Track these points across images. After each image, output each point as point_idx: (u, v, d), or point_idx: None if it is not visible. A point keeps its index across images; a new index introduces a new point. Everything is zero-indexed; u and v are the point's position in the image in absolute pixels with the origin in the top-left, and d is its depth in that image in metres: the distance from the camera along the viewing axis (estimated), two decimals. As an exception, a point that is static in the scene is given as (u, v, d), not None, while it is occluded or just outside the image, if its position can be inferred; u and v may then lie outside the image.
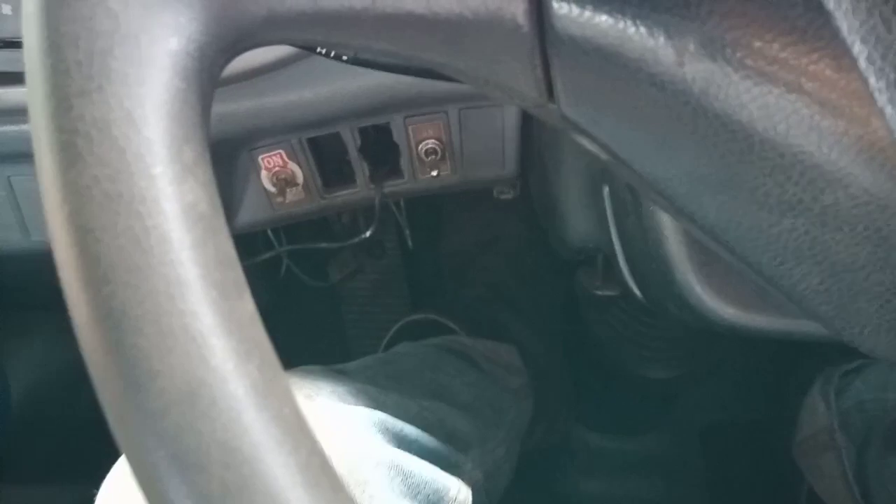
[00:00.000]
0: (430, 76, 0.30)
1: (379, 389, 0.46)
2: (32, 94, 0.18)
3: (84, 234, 0.16)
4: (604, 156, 0.24)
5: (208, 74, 0.19)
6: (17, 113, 0.51)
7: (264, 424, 0.16)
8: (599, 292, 0.57)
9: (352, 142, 0.56)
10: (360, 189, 0.59)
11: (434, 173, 0.56)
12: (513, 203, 0.81)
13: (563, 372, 0.83)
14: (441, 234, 0.87)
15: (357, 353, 0.99)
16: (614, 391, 0.85)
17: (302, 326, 0.93)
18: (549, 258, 0.81)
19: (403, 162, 0.57)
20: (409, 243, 0.72)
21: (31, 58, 0.18)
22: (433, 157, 0.56)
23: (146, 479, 0.16)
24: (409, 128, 0.55)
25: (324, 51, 0.29)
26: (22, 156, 0.56)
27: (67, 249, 0.17)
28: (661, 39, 0.19)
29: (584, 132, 0.23)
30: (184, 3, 0.18)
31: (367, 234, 0.61)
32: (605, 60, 0.20)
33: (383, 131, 0.56)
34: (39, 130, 0.17)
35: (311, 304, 0.91)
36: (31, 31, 0.18)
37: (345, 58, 0.30)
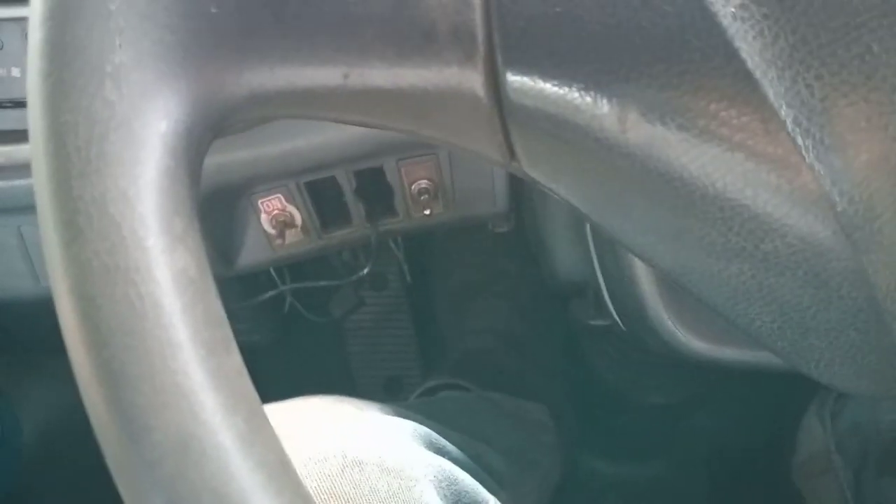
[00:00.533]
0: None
1: (421, 417, 0.47)
2: (37, 174, 0.20)
3: (86, 303, 0.18)
4: (568, 207, 0.26)
5: (196, 151, 0.21)
6: (27, 168, 0.53)
7: (250, 471, 0.18)
8: (593, 322, 0.59)
9: (347, 184, 0.58)
10: (357, 228, 0.61)
11: (427, 212, 0.58)
12: (508, 235, 0.83)
13: (569, 402, 0.84)
14: (439, 268, 0.89)
15: (362, 386, 1.00)
16: (619, 418, 0.86)
17: (307, 362, 0.94)
18: (546, 289, 0.83)
19: (397, 201, 0.59)
20: (408, 278, 0.74)
21: (36, 143, 0.20)
22: (426, 196, 0.58)
23: None
24: (402, 169, 0.57)
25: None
26: (32, 207, 0.58)
27: (71, 316, 0.19)
28: (605, 108, 0.21)
29: (545, 188, 0.24)
30: (172, 90, 0.20)
31: (366, 270, 0.63)
32: (557, 126, 0.22)
33: (377, 173, 0.58)
34: (44, 208, 0.19)
35: (316, 339, 0.92)
36: (35, 120, 0.20)
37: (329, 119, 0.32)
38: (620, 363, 0.74)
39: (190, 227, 0.20)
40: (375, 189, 0.59)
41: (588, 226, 0.43)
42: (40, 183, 0.20)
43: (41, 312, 0.83)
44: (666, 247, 0.24)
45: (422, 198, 0.58)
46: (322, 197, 0.59)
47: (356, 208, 0.60)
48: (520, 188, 0.57)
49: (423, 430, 0.43)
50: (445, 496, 0.39)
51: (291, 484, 0.19)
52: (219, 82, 0.21)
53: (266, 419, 0.19)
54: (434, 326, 0.90)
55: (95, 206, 0.19)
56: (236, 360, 0.20)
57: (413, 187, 0.58)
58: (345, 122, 0.24)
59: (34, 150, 0.20)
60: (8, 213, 0.60)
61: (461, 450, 0.46)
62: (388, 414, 0.44)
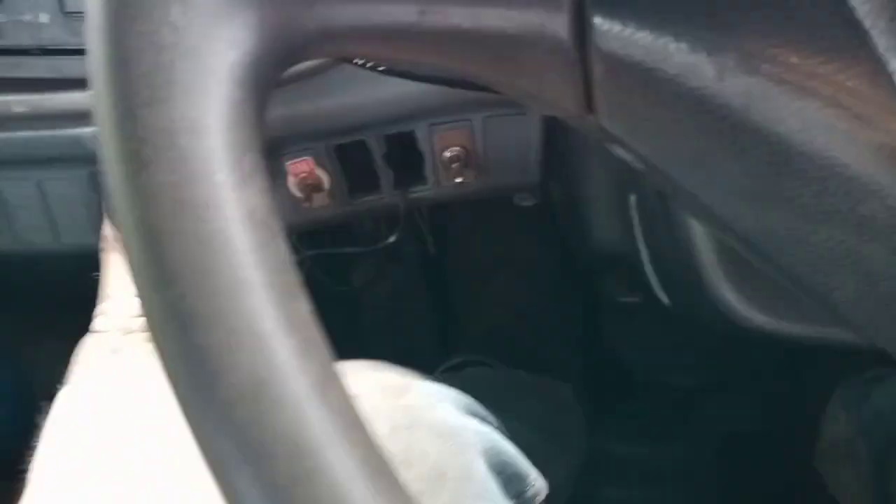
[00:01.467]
0: (462, 86, 0.30)
1: (456, 391, 0.46)
2: (99, 103, 0.19)
3: (153, 238, 0.17)
4: (640, 166, 0.25)
5: (264, 86, 0.20)
6: (51, 118, 0.52)
7: (326, 421, 0.17)
8: (623, 299, 0.57)
9: (377, 149, 0.57)
10: (385, 195, 0.60)
11: (458, 180, 0.57)
12: (530, 212, 0.81)
13: (587, 381, 0.83)
14: (459, 244, 0.88)
15: (377, 360, 0.99)
16: (635, 399, 0.85)
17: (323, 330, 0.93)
18: (567, 266, 0.81)
19: (427, 168, 0.58)
20: (432, 249, 0.73)
21: (98, 69, 0.19)
22: (457, 163, 0.56)
23: (217, 468, 0.17)
24: (434, 135, 0.55)
25: (359, 62, 0.30)
26: (54, 160, 0.57)
27: (138, 251, 0.17)
28: (702, 56, 0.20)
29: (622, 144, 0.23)
30: (242, 18, 0.19)
31: (392, 239, 0.62)
32: (645, 76, 0.21)
33: (408, 139, 0.57)
34: (108, 139, 0.18)
35: (333, 308, 0.91)
36: (96, 44, 0.19)
37: (380, 67, 0.31)
38: (643, 343, 0.73)
39: (258, 166, 0.19)
40: (405, 155, 0.58)
41: (633, 198, 0.42)
42: (103, 111, 0.18)
43: (55, 269, 0.82)
44: (749, 209, 0.23)
45: (452, 165, 0.57)
46: (351, 161, 0.58)
47: (385, 174, 0.58)
48: (552, 158, 0.56)
49: (466, 399, 0.43)
50: (491, 465, 0.39)
51: (365, 437, 0.18)
52: (290, 14, 0.20)
53: (337, 369, 0.18)
54: (452, 302, 0.89)
55: (163, 137, 0.18)
56: (306, 306, 0.19)
57: (444, 154, 0.56)
58: (417, 63, 0.22)
59: (95, 76, 0.19)
60: (29, 166, 0.59)
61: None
62: (430, 382, 0.43)
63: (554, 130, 0.53)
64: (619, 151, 0.25)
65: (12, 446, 0.85)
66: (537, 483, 0.44)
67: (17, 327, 0.94)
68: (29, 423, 0.92)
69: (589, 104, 0.22)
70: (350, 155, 0.57)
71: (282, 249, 0.19)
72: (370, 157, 0.57)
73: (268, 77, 0.20)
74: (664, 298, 0.44)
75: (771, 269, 0.25)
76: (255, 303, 0.17)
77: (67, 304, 0.90)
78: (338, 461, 0.17)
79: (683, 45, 0.20)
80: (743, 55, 0.20)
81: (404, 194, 0.59)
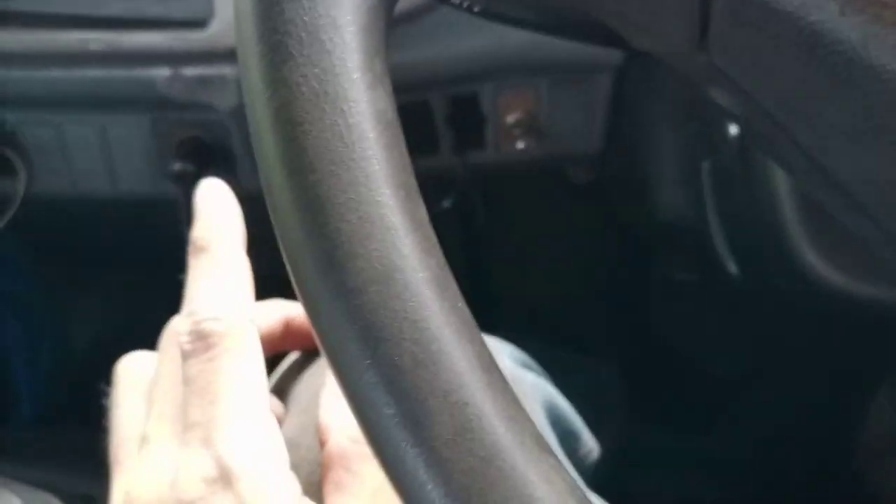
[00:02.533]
0: (561, 34, 0.31)
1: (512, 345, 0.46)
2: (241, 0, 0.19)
3: (293, 126, 0.18)
4: (738, 110, 0.25)
5: None
6: (125, 58, 0.53)
7: (447, 313, 0.18)
8: (679, 277, 0.57)
9: (439, 109, 0.57)
10: (444, 158, 0.60)
11: (519, 145, 0.57)
12: (577, 192, 0.81)
13: (627, 366, 0.83)
14: (506, 218, 0.88)
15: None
16: (675, 387, 0.85)
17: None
18: (616, 246, 0.81)
19: (489, 133, 0.58)
20: (481, 220, 0.73)
21: None
22: (519, 129, 0.57)
23: (339, 348, 0.17)
24: (498, 98, 0.56)
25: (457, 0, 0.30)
26: (120, 103, 0.58)
27: (275, 139, 0.18)
28: (828, -13, 0.20)
29: (729, 82, 0.23)
30: None
31: (448, 203, 0.62)
32: (764, 9, 0.21)
33: (471, 102, 0.57)
34: (249, 32, 0.19)
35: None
36: None
37: (476, 9, 0.31)
38: (691, 327, 0.72)
39: (386, 72, 0.20)
40: (467, 119, 0.58)
41: (706, 164, 0.42)
42: (246, 6, 0.19)
43: (109, 219, 0.83)
44: (851, 150, 0.23)
45: (514, 130, 0.57)
46: (411, 122, 0.58)
47: (445, 136, 0.59)
48: (615, 129, 0.56)
49: (522, 354, 0.43)
50: (549, 418, 0.39)
51: (478, 336, 0.18)
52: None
53: (449, 269, 0.19)
54: (493, 280, 0.89)
55: (307, 31, 0.18)
56: (424, 208, 0.19)
57: (507, 118, 0.57)
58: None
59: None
60: (94, 109, 0.60)
61: None
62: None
63: (620, 100, 0.53)
64: (718, 94, 0.25)
65: (54, 401, 0.87)
66: (590, 443, 0.44)
67: (62, 281, 0.95)
68: (63, 379, 0.93)
69: (702, 40, 0.23)
70: (411, 115, 0.58)
71: (405, 152, 0.20)
72: (431, 117, 0.58)
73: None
74: (732, 268, 0.44)
75: (860, 221, 0.25)
76: (386, 197, 0.18)
77: (114, 258, 0.91)
78: (458, 350, 0.17)
79: (809, -23, 0.20)
80: (868, -10, 0.20)
81: (463, 157, 0.59)
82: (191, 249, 0.27)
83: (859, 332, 0.44)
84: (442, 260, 0.19)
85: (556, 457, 0.17)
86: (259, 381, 0.25)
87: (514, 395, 0.18)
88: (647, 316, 0.79)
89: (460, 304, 0.18)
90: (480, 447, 0.16)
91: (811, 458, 0.78)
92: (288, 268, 0.18)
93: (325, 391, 0.28)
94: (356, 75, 0.19)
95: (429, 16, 0.50)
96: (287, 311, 0.31)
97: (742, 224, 0.39)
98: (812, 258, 0.33)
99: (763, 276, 0.39)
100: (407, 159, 0.19)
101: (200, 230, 0.27)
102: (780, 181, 0.33)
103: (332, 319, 0.17)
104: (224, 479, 0.23)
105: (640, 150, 0.51)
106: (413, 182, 0.19)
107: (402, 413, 0.17)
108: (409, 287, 0.17)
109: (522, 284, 0.86)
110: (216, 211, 0.27)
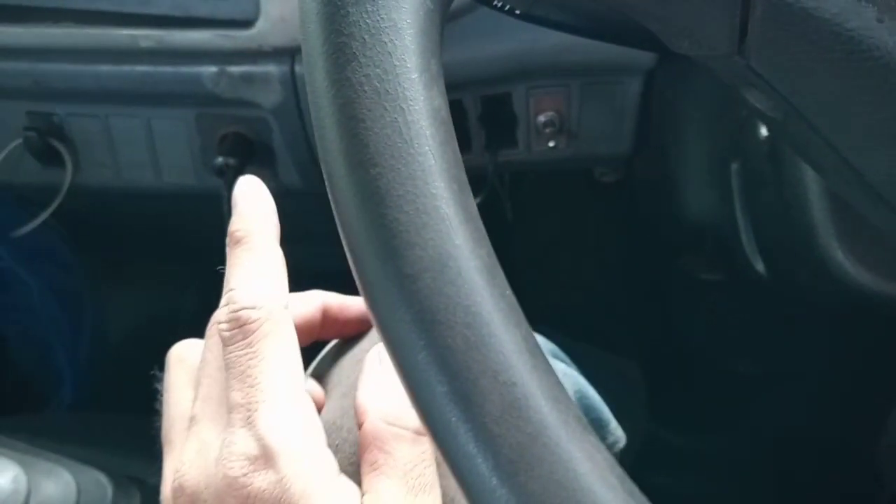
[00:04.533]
0: (599, 37, 0.32)
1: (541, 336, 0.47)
2: (307, 2, 0.21)
3: (356, 123, 0.19)
4: (774, 113, 0.26)
5: (447, 2, 0.22)
6: (174, 55, 0.55)
7: (497, 299, 0.19)
8: (704, 277, 0.58)
9: (473, 109, 0.58)
10: (475, 156, 0.61)
11: (550, 144, 0.58)
12: (600, 190, 0.82)
13: (649, 363, 0.84)
14: (533, 216, 0.89)
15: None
16: (695, 386, 0.85)
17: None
18: (640, 245, 0.82)
19: (520, 132, 0.59)
20: (510, 216, 0.74)
21: None
22: (551, 128, 0.58)
23: (396, 331, 0.19)
24: (531, 99, 0.57)
25: (499, 3, 0.31)
26: (166, 97, 0.60)
27: (338, 135, 0.19)
28: (866, -5, 0.21)
29: (766, 85, 0.24)
30: None
31: (478, 200, 0.63)
32: (803, 15, 0.22)
33: (503, 102, 0.58)
34: (315, 32, 0.20)
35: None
36: None
37: (518, 11, 0.32)
38: (713, 325, 0.73)
39: (441, 72, 0.21)
40: (499, 118, 0.59)
41: (735, 165, 0.43)
42: (311, 8, 0.20)
43: (146, 214, 0.85)
44: (885, 154, 0.24)
45: (546, 130, 0.58)
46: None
47: (478, 135, 0.60)
48: (645, 130, 0.57)
49: (551, 344, 0.44)
50: (579, 407, 0.40)
51: (524, 321, 0.20)
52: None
53: (496, 259, 0.20)
54: (518, 276, 0.90)
55: (370, 33, 0.20)
56: (474, 202, 0.21)
57: (539, 118, 0.58)
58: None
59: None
60: (141, 103, 0.61)
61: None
62: None
63: (650, 103, 0.54)
64: (754, 96, 0.26)
65: (94, 386, 0.89)
66: (617, 432, 0.45)
67: (103, 271, 0.97)
68: (101, 365, 0.96)
69: (741, 44, 0.24)
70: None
71: (457, 148, 0.21)
72: (464, 116, 0.59)
73: (450, -6, 0.22)
74: (759, 267, 0.45)
75: (890, 221, 0.26)
76: (441, 190, 0.19)
77: (154, 249, 0.93)
78: (507, 334, 0.18)
79: (847, -15, 0.21)
80: (904, -1, 0.21)
81: (494, 156, 0.60)
82: (229, 241, 0.28)
83: (885, 331, 0.44)
84: (491, 250, 0.20)
85: (596, 436, 0.19)
86: (295, 364, 0.27)
87: (557, 378, 0.19)
88: (669, 315, 0.80)
89: (508, 292, 0.20)
90: (527, 424, 0.17)
91: (831, 458, 0.78)
92: (348, 254, 0.20)
93: (362, 376, 0.29)
94: (414, 75, 0.20)
95: (465, 18, 0.51)
96: (324, 300, 0.33)
97: (771, 224, 0.39)
98: (841, 257, 0.34)
99: (791, 275, 0.39)
100: (459, 155, 0.21)
101: (238, 223, 0.28)
102: (810, 182, 0.33)
103: (390, 304, 0.19)
104: (265, 457, 0.25)
105: (668, 151, 0.52)
106: (464, 177, 0.20)
107: (455, 391, 0.18)
108: (462, 274, 0.18)
109: (547, 280, 0.87)
110: (253, 206, 0.29)
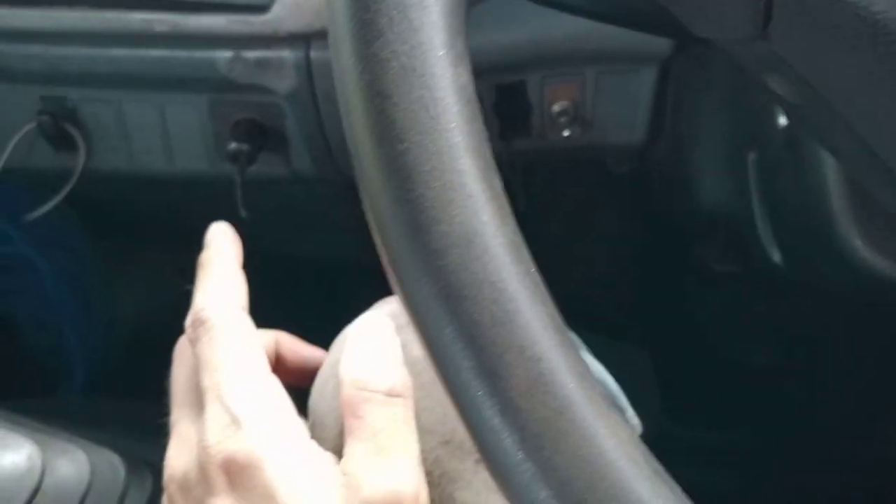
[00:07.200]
0: (617, 21, 0.32)
1: None
2: None
3: (383, 99, 0.19)
4: (795, 99, 0.26)
5: None
6: (188, 39, 0.55)
7: (522, 276, 0.19)
8: (719, 268, 0.58)
9: (487, 97, 0.58)
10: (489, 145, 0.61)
11: (564, 133, 0.58)
12: (613, 181, 0.82)
13: (662, 354, 0.84)
14: (544, 205, 0.89)
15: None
16: (707, 379, 0.85)
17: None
18: (654, 236, 0.82)
19: (534, 120, 0.59)
20: (523, 206, 0.74)
21: None
22: (565, 117, 0.58)
23: (422, 306, 0.19)
24: (545, 87, 0.57)
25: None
26: (179, 83, 0.60)
27: (365, 111, 0.19)
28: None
29: (789, 69, 0.24)
30: None
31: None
32: (828, -2, 0.22)
33: (517, 90, 0.58)
34: (341, 9, 0.20)
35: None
36: None
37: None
38: (727, 317, 0.73)
39: (467, 50, 0.21)
40: (513, 106, 0.59)
41: (752, 155, 0.43)
42: (339, -14, 0.20)
43: (158, 199, 0.85)
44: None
45: (560, 119, 0.58)
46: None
47: (491, 123, 0.60)
48: (660, 119, 0.56)
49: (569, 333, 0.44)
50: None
51: (549, 299, 0.20)
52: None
53: (522, 236, 0.20)
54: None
55: (397, 10, 0.20)
56: (500, 179, 0.21)
57: (553, 107, 0.58)
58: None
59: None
60: (154, 88, 0.61)
61: None
62: None
63: (666, 92, 0.54)
64: (775, 81, 0.26)
65: (105, 371, 0.90)
66: (634, 420, 0.45)
67: (115, 256, 0.97)
68: (112, 352, 0.96)
69: (765, 27, 0.24)
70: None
71: (483, 126, 0.21)
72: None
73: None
74: (776, 258, 0.45)
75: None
76: (468, 167, 0.19)
77: (166, 234, 0.93)
78: (532, 310, 0.19)
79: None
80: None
81: (508, 145, 0.60)
82: (197, 268, 0.33)
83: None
84: (516, 227, 0.20)
85: (620, 413, 0.19)
86: (253, 347, 0.30)
87: (580, 355, 0.19)
88: (682, 306, 0.80)
89: (533, 269, 0.20)
90: (553, 399, 0.18)
91: (845, 450, 0.78)
92: (373, 231, 0.20)
93: (343, 353, 0.30)
94: (441, 52, 0.20)
95: (481, 5, 0.51)
96: (277, 335, 0.35)
97: (788, 213, 0.39)
98: (859, 244, 0.34)
99: (808, 264, 0.39)
100: (485, 132, 0.21)
101: (205, 254, 0.34)
102: (829, 170, 0.33)
103: (416, 279, 0.19)
104: (235, 422, 0.27)
105: (684, 141, 0.52)
106: (490, 154, 0.21)
107: (481, 366, 0.18)
108: (489, 251, 0.19)
109: (560, 269, 0.87)
110: (217, 239, 0.34)
